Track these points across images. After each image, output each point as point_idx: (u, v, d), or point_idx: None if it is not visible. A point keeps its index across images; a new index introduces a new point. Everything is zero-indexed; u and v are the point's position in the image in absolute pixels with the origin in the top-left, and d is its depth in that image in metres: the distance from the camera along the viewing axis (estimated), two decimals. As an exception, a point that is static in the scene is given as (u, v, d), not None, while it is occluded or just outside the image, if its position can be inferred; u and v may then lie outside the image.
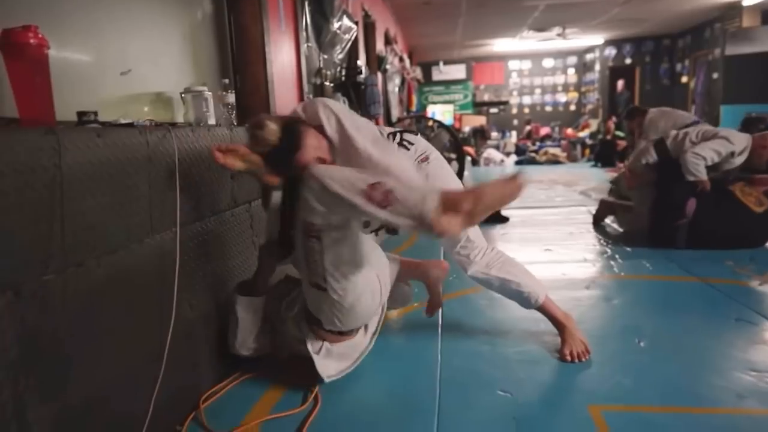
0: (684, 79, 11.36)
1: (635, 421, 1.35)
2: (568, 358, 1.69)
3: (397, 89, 8.06)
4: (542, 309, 1.81)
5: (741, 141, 3.09)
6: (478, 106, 13.56)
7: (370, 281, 1.59)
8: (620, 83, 10.95)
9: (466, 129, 11.12)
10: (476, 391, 1.53)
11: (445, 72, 13.43)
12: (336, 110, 1.52)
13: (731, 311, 2.07)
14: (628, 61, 12.31)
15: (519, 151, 10.83)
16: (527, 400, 1.47)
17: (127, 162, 1.23)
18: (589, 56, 13.14)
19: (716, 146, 3.04)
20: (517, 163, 9.91)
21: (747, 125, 5.41)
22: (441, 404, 1.47)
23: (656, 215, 3.15)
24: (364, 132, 1.49)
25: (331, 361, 1.62)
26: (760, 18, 8.86)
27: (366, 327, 1.75)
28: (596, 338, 1.88)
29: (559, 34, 10.45)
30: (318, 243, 1.44)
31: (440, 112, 11.70)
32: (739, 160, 3.10)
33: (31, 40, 1.12)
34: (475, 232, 1.81)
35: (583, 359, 1.68)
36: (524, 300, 1.80)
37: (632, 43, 12.14)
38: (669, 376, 1.58)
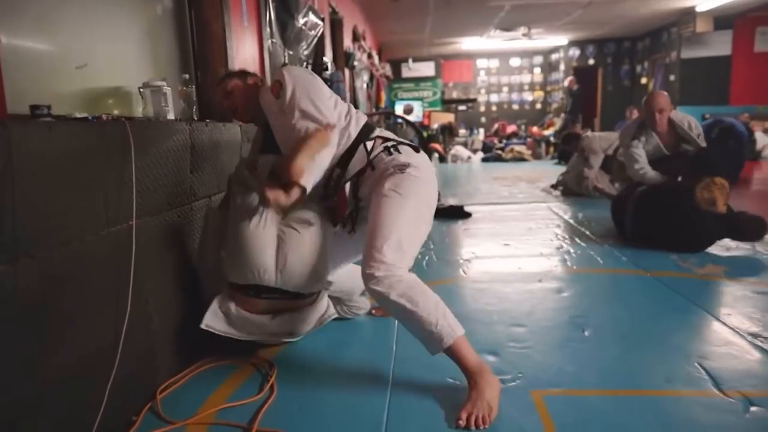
0: (643, 81, 11.76)
1: (573, 404, 1.45)
2: (462, 423, 1.34)
3: (365, 86, 8.09)
4: (451, 353, 1.48)
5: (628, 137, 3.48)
6: (447, 104, 13.71)
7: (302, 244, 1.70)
8: (569, 79, 11.26)
9: (435, 126, 11.23)
10: (427, 379, 1.60)
11: (415, 69, 13.51)
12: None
13: (671, 302, 2.20)
14: (591, 61, 12.67)
15: (486, 148, 11.01)
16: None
17: (81, 155, 1.24)
18: (554, 56, 13.44)
19: (631, 157, 3.41)
20: (484, 160, 10.07)
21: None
22: (392, 391, 1.53)
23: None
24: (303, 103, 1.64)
25: (221, 319, 1.72)
26: (713, 24, 9.25)
27: (277, 315, 1.78)
28: (545, 328, 1.98)
29: (524, 34, 10.66)
30: None
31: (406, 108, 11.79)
32: (649, 145, 3.37)
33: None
34: (400, 256, 1.52)
35: (481, 427, 1.34)
36: (428, 338, 1.49)
37: (595, 45, 12.49)
38: (608, 362, 1.69)
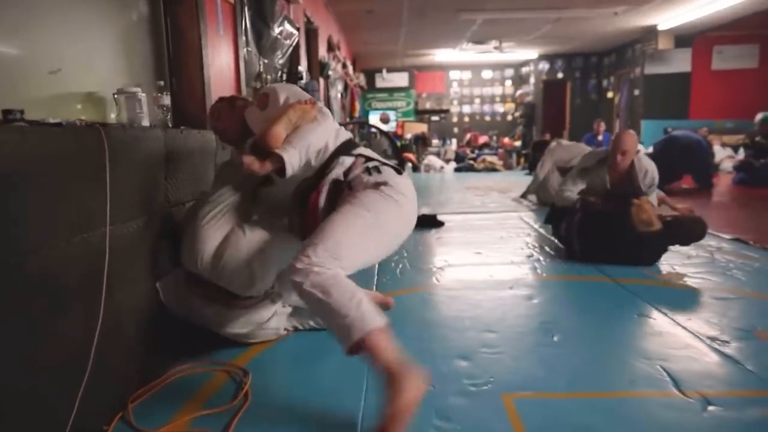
0: (610, 95, 12.16)
1: (542, 406, 1.49)
2: None
3: (339, 95, 8.14)
4: (365, 350, 1.35)
5: (583, 160, 3.68)
6: (420, 114, 13.87)
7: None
8: (518, 94, 11.61)
9: (408, 136, 11.35)
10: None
11: (389, 79, 13.65)
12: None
13: (635, 307, 2.29)
14: (560, 75, 13.03)
15: (458, 158, 11.17)
16: (446, 391, 1.58)
17: (54, 161, 1.23)
18: (524, 69, 13.78)
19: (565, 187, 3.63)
20: (456, 170, 10.21)
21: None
22: (366, 396, 1.55)
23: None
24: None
25: (171, 290, 1.81)
26: (674, 42, 9.66)
27: (211, 303, 1.80)
28: (516, 334, 2.03)
29: (496, 48, 10.91)
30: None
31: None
32: (598, 178, 3.43)
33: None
34: (330, 258, 1.44)
35: None
36: (339, 332, 1.37)
37: (563, 59, 12.87)
38: (576, 365, 1.75)
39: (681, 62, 9.99)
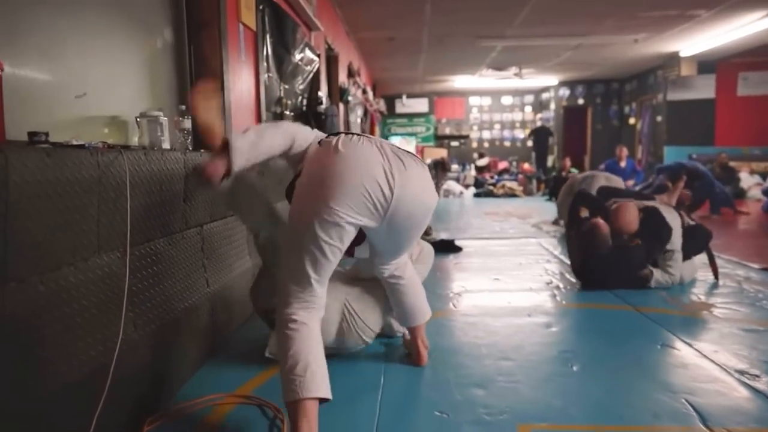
0: (631, 121, 12.06)
1: (560, 439, 1.44)
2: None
3: (359, 120, 8.24)
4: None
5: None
6: (440, 139, 13.95)
7: None
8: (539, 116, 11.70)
9: (428, 161, 11.38)
10: (414, 412, 1.59)
11: (408, 105, 13.79)
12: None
13: (658, 338, 2.21)
14: (580, 101, 13.00)
15: (477, 183, 11.14)
16: (461, 420, 1.54)
17: (76, 182, 1.26)
18: (544, 95, 13.79)
19: None
20: (476, 195, 10.18)
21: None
22: (379, 424, 1.52)
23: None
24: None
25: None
26: (697, 68, 9.57)
27: None
28: (533, 363, 1.98)
29: (516, 74, 10.96)
30: None
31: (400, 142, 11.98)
32: None
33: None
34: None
35: None
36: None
37: (584, 85, 12.85)
38: (595, 397, 1.69)
39: (705, 88, 9.88)
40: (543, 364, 1.97)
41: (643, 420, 1.53)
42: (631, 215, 3.00)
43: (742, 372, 1.84)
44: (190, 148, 2.06)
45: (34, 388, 1.13)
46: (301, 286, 1.41)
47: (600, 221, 3.00)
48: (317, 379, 1.32)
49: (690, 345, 2.12)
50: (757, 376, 1.80)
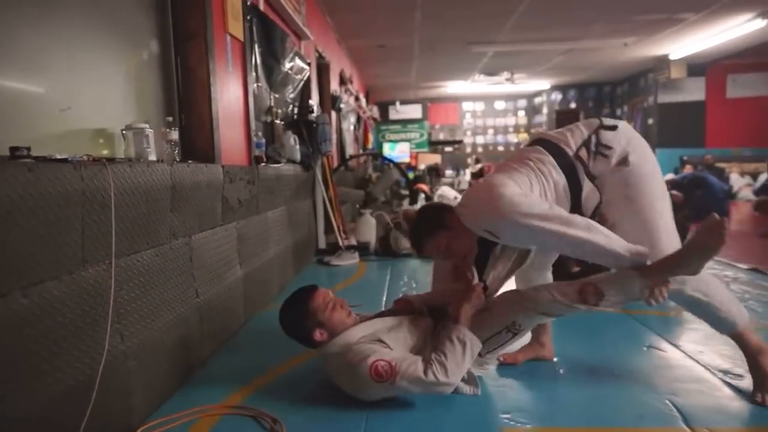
0: (623, 124, 12.12)
1: (544, 442, 1.45)
2: (759, 400, 1.63)
3: (352, 127, 8.27)
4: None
5: None
6: (434, 145, 13.99)
7: None
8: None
9: (422, 167, 11.42)
10: (401, 414, 1.59)
11: (402, 111, 13.84)
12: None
13: (645, 339, 2.23)
14: (572, 105, 13.08)
15: (472, 188, 11.16)
16: (445, 422, 1.55)
17: (59, 196, 1.27)
18: (537, 100, 13.88)
19: None
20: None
21: None
22: (368, 421, 1.53)
23: None
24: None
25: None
26: (687, 71, 9.67)
27: None
28: (522, 366, 1.99)
29: (508, 79, 11.03)
30: None
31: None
32: None
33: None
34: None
35: None
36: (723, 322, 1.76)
37: (576, 89, 12.94)
38: (581, 399, 1.70)
39: (695, 90, 9.98)
40: (531, 367, 1.98)
41: (628, 422, 1.54)
42: None
43: (725, 372, 1.86)
44: (178, 160, 2.07)
45: (18, 402, 1.14)
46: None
47: None
48: None
49: (676, 346, 2.14)
50: (740, 375, 1.82)
